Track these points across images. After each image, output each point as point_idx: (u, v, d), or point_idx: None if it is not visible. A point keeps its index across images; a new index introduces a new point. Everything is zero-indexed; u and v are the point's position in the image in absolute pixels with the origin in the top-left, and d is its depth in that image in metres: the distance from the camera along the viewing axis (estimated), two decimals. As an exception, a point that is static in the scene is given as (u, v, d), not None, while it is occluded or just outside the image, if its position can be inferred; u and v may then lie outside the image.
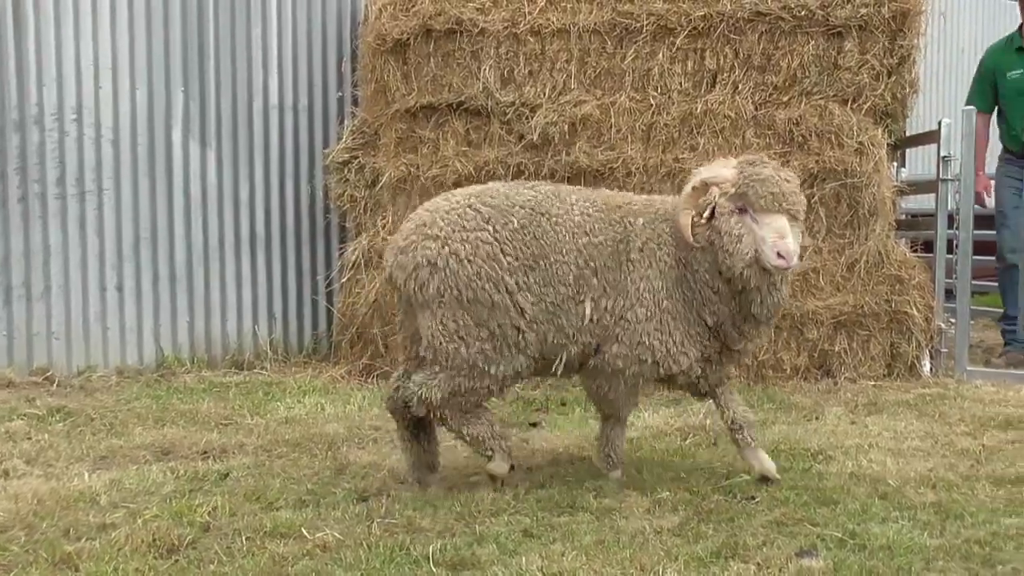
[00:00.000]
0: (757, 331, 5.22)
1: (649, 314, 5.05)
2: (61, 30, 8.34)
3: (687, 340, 5.12)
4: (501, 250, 4.99)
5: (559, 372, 5.26)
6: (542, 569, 4.14)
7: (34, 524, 4.74)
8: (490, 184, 5.46)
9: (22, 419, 6.87)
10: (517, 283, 4.98)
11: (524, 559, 4.22)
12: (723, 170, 4.97)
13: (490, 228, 5.01)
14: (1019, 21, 9.15)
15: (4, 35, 8.17)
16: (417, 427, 5.36)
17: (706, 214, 4.93)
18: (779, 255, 4.77)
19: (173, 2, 8.81)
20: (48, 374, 8.18)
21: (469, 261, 4.95)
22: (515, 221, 5.04)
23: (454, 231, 4.99)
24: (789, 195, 4.84)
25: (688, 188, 4.98)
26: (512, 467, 5.31)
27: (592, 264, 5.07)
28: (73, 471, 5.63)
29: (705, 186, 4.96)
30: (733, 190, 4.88)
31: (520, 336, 5.01)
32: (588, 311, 5.07)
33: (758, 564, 4.19)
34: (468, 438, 5.22)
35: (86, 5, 8.45)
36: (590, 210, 5.16)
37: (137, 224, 8.64)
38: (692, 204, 4.96)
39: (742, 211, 4.85)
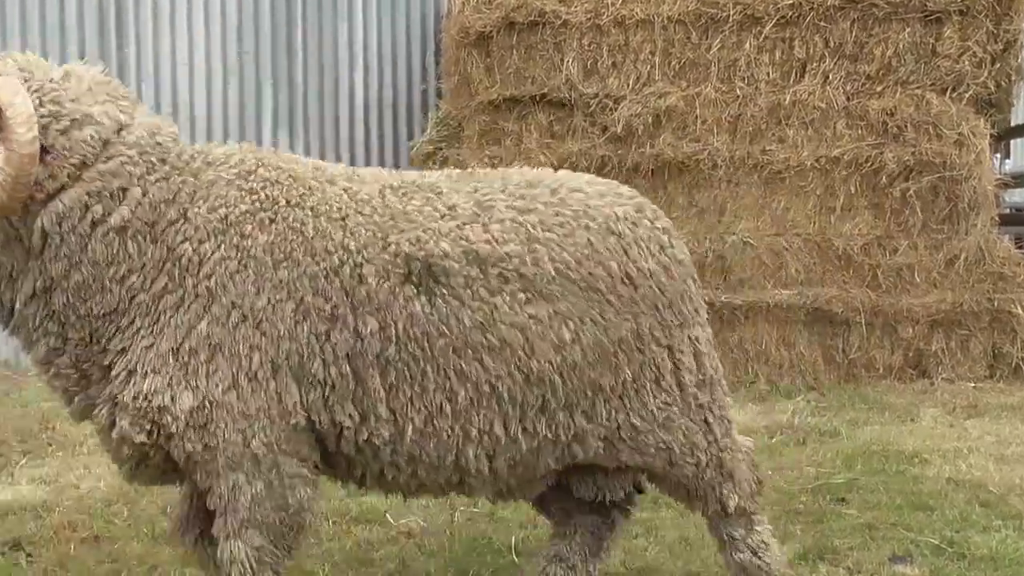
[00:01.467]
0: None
1: None
2: (159, 35, 8.72)
3: None
4: None
5: None
6: (624, 563, 4.11)
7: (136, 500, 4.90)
8: None
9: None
10: None
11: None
12: None
13: None
14: None
15: (108, 38, 8.53)
16: None
17: None
18: None
19: (262, 1, 9.04)
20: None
21: None
22: None
23: None
24: None
25: None
26: None
27: None
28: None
29: None
30: None
31: None
32: None
33: (848, 568, 4.05)
34: None
35: (182, 9, 8.76)
36: None
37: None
38: None
39: None
